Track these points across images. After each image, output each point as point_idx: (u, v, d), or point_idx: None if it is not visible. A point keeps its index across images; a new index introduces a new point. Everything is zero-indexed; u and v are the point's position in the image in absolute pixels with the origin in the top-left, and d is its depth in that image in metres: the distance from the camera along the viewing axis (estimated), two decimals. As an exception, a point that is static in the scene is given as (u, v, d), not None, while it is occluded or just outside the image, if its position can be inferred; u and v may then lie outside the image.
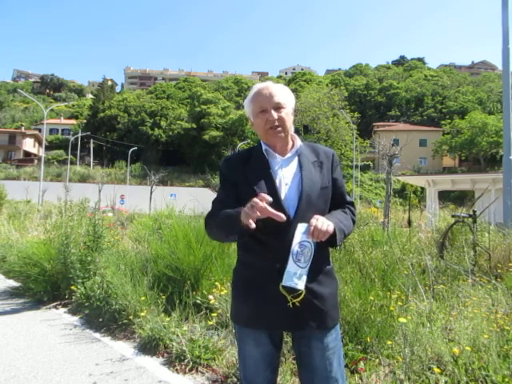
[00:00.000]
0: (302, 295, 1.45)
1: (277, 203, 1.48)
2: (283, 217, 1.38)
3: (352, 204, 1.73)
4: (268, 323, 1.53)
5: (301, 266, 1.42)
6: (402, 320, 2.78)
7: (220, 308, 3.73)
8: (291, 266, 1.42)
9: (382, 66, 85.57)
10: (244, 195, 1.52)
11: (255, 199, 1.36)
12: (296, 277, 1.42)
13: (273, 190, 1.52)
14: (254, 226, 1.34)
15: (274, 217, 1.37)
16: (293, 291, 1.44)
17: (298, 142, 1.66)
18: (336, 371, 1.54)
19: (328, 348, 1.55)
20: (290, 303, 1.46)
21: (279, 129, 1.59)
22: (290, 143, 1.66)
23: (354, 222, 1.67)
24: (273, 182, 1.55)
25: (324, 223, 1.43)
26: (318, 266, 1.55)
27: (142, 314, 3.79)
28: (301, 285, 1.43)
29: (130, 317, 3.95)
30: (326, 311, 1.55)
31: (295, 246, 1.41)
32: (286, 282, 1.42)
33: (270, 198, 1.36)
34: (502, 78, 9.14)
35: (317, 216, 1.46)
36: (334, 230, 1.46)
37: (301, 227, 1.44)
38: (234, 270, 1.68)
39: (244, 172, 1.60)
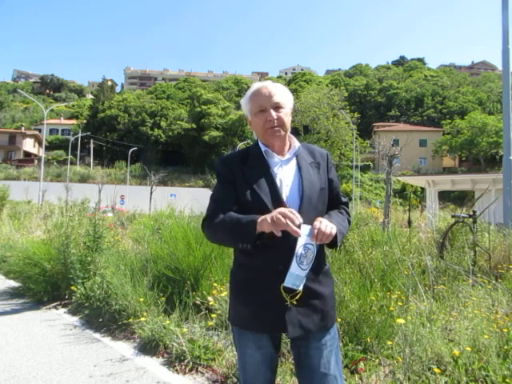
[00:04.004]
0: (299, 294, 1.46)
1: (280, 204, 1.48)
2: (300, 233, 1.38)
3: (346, 204, 1.74)
4: (269, 326, 1.51)
5: (303, 268, 1.43)
6: (400, 321, 2.78)
7: (220, 309, 3.72)
8: (294, 268, 1.42)
9: (382, 67, 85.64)
10: (243, 195, 1.51)
11: (285, 210, 1.36)
12: (297, 278, 1.43)
13: (274, 190, 1.52)
14: (280, 234, 1.37)
15: (294, 234, 1.37)
16: (291, 291, 1.45)
17: (296, 144, 1.65)
18: (334, 369, 1.55)
19: (326, 347, 1.55)
20: (289, 303, 1.46)
21: (278, 128, 1.57)
22: (288, 144, 1.65)
23: (349, 222, 1.69)
24: (273, 182, 1.54)
25: (328, 226, 1.43)
26: (319, 267, 1.55)
27: (143, 314, 3.79)
28: (300, 286, 1.44)
29: (131, 318, 3.95)
30: (327, 311, 1.56)
31: (299, 249, 1.41)
32: (288, 283, 1.43)
33: (301, 219, 1.38)
34: (502, 78, 9.15)
35: (320, 218, 1.45)
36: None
37: (304, 229, 1.43)
38: (232, 271, 1.66)
39: (242, 172, 1.57)
